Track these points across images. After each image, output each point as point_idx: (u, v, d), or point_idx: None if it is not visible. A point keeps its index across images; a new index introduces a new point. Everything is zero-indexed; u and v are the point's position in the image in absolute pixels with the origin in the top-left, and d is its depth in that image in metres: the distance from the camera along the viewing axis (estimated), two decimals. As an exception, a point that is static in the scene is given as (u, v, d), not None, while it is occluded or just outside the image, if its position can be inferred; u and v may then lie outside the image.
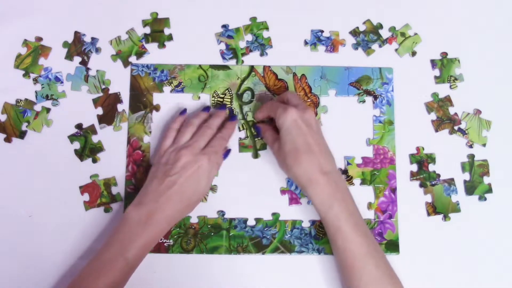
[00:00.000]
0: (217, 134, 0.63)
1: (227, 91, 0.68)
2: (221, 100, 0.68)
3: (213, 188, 0.66)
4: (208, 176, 0.61)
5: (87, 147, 0.66)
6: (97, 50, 0.69)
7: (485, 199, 0.66)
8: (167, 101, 0.68)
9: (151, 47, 0.69)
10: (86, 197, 0.65)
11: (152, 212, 0.57)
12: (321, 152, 0.58)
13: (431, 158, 0.67)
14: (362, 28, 0.71)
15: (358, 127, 0.68)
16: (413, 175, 0.67)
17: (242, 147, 0.67)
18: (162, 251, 0.64)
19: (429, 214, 0.66)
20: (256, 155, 0.67)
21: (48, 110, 0.67)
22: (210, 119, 0.64)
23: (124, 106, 0.68)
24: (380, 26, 0.71)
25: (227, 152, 0.65)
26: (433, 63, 0.70)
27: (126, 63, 0.69)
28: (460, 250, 0.65)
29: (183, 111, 0.66)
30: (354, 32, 0.70)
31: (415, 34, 0.70)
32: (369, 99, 0.68)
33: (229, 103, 0.68)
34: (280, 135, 0.60)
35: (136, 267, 0.58)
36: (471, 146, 0.68)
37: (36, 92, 0.68)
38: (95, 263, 0.57)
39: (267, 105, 0.64)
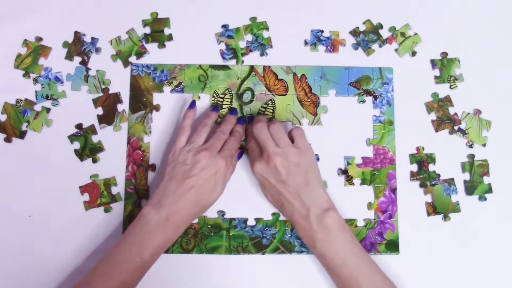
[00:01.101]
0: (230, 138, 0.64)
1: (227, 91, 0.68)
2: (221, 100, 0.68)
3: (213, 188, 0.66)
4: (224, 180, 0.61)
5: (87, 147, 0.66)
6: (97, 50, 0.69)
7: (485, 199, 0.66)
8: (167, 101, 0.68)
9: (151, 47, 0.69)
10: (86, 197, 0.65)
11: (171, 214, 0.58)
12: (295, 198, 0.58)
13: (431, 158, 0.67)
14: (362, 28, 0.71)
15: (358, 127, 0.68)
16: (413, 175, 0.67)
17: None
18: (162, 251, 0.64)
19: (429, 214, 0.66)
20: (254, 156, 0.67)
21: (48, 110, 0.67)
22: (223, 125, 0.65)
23: (124, 106, 0.68)
24: (380, 26, 0.71)
25: (240, 153, 0.65)
26: (433, 63, 0.70)
27: (126, 63, 0.69)
28: (460, 250, 0.65)
29: (192, 104, 0.65)
30: (354, 32, 0.70)
31: (415, 34, 0.70)
32: (369, 99, 0.68)
33: (229, 103, 0.68)
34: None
35: (150, 267, 0.58)
36: (471, 146, 0.68)
37: (36, 92, 0.68)
38: (110, 262, 0.56)
39: (248, 146, 0.65)
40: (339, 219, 0.58)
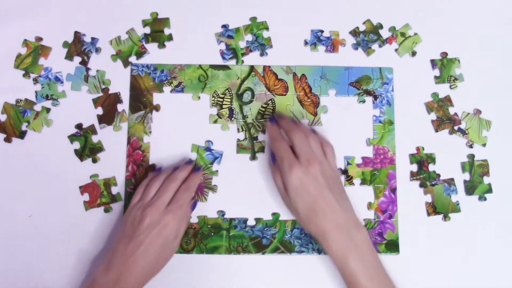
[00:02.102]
0: (181, 186, 0.62)
1: (227, 91, 0.68)
2: (221, 100, 0.68)
3: (213, 188, 0.66)
4: (176, 233, 0.59)
5: (87, 147, 0.66)
6: (97, 50, 0.69)
7: (485, 199, 0.66)
8: (167, 101, 0.68)
9: (151, 47, 0.69)
10: (86, 197, 0.65)
11: (120, 276, 0.55)
12: (332, 208, 0.57)
13: (431, 158, 0.67)
14: (362, 28, 0.71)
15: (358, 127, 0.68)
16: (413, 175, 0.67)
17: (241, 148, 0.67)
18: (162, 251, 0.64)
19: (429, 214, 0.66)
20: (253, 157, 0.67)
21: (48, 110, 0.67)
22: (175, 172, 0.63)
23: (124, 106, 0.68)
24: (380, 26, 0.71)
25: (194, 204, 0.63)
26: (433, 63, 0.70)
27: (126, 63, 0.69)
28: (460, 250, 0.65)
29: (158, 168, 0.65)
30: (354, 32, 0.70)
31: (415, 34, 0.70)
32: (369, 99, 0.68)
33: (229, 103, 0.68)
34: (288, 192, 0.58)
35: None
36: (471, 146, 0.68)
37: (36, 92, 0.68)
38: None
39: (274, 145, 0.61)
40: (369, 238, 0.58)
